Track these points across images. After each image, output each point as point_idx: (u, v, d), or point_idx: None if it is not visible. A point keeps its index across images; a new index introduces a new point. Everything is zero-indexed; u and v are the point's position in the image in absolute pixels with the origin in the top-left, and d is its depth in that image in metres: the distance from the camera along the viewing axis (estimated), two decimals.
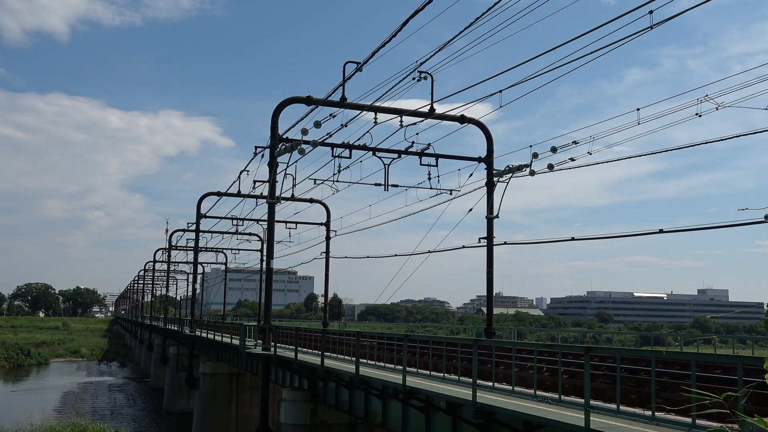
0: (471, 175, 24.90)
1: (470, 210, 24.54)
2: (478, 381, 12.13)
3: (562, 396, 11.09)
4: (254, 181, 31.57)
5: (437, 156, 25.39)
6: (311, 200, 36.49)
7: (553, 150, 21.40)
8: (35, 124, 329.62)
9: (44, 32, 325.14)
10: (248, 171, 32.23)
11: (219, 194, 41.09)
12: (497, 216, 24.42)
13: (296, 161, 24.87)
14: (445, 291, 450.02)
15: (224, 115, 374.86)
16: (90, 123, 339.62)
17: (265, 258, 26.75)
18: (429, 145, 25.22)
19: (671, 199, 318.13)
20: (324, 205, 38.22)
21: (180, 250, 62.58)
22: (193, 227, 46.27)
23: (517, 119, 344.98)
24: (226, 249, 59.09)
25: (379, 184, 25.53)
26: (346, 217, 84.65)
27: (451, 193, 25.88)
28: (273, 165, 24.57)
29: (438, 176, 25.48)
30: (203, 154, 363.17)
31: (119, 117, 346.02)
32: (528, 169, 22.76)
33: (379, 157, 25.21)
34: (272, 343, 23.75)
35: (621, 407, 9.87)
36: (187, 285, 77.96)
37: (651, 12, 13.31)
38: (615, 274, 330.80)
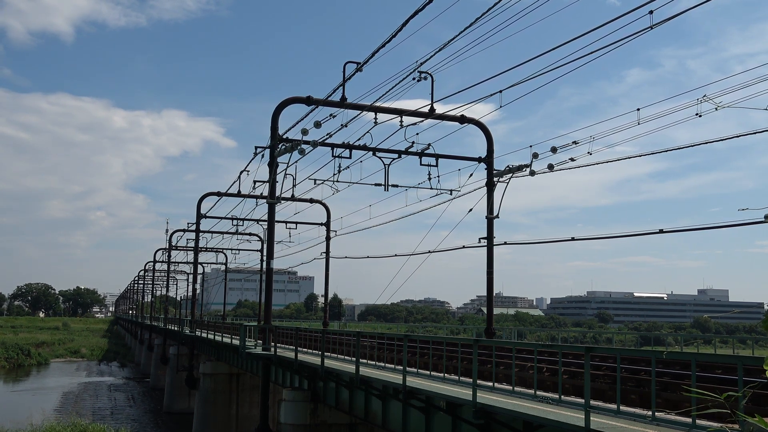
0: (471, 175, 24.92)
1: (470, 210, 24.57)
2: (478, 381, 12.12)
3: (562, 396, 11.10)
4: (254, 182, 31.55)
5: (437, 156, 25.37)
6: (311, 200, 36.48)
7: (553, 150, 21.42)
8: (39, 124, 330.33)
9: (49, 33, 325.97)
10: (248, 171, 32.25)
11: (219, 194, 41.10)
12: (497, 216, 24.42)
13: (296, 161, 24.89)
14: (445, 291, 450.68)
15: (227, 116, 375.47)
16: (94, 123, 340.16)
17: (265, 258, 26.76)
18: (429, 145, 25.21)
19: (671, 199, 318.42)
20: (324, 205, 38.24)
21: (180, 250, 62.63)
22: (194, 227, 46.31)
23: (518, 119, 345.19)
24: (226, 249, 59.16)
25: (379, 185, 25.53)
26: (347, 217, 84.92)
27: (451, 194, 25.89)
28: (273, 165, 24.56)
29: (438, 176, 25.49)
30: (205, 155, 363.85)
31: (123, 117, 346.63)
32: (528, 169, 22.77)
33: (379, 157, 25.21)
34: (272, 344, 23.75)
35: (621, 407, 9.87)
36: (187, 285, 78.00)
37: (651, 12, 13.34)
38: (615, 274, 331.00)
